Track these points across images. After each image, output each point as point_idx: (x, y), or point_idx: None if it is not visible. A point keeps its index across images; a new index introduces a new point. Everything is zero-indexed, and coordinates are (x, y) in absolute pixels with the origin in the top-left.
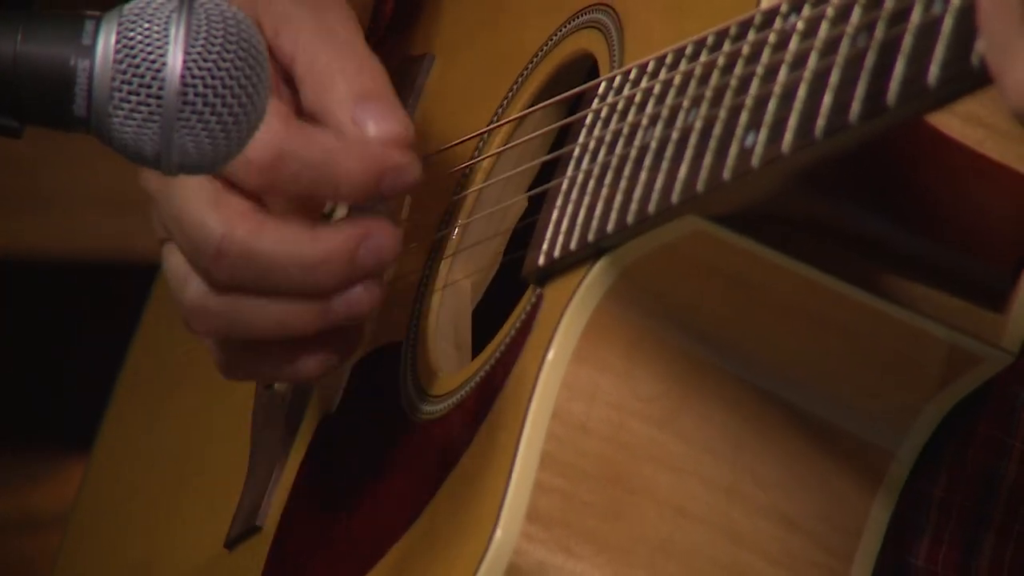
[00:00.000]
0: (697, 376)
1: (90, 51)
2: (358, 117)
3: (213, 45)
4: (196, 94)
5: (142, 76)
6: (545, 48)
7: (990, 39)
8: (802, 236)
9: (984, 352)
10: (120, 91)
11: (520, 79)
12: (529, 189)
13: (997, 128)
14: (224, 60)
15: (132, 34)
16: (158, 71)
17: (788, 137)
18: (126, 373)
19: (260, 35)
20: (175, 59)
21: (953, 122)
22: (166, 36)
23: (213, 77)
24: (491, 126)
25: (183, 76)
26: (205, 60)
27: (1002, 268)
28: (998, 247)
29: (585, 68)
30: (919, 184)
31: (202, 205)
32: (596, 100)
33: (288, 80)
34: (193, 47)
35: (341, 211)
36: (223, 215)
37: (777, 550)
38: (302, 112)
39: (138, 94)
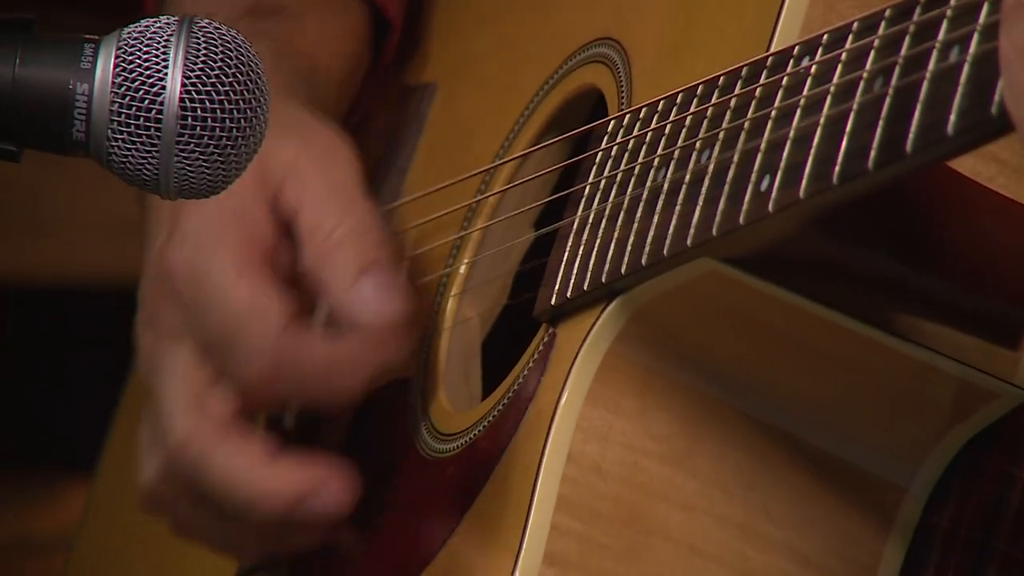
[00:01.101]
0: (710, 415)
1: (89, 75)
2: (359, 297)
3: (212, 69)
4: (195, 119)
5: (141, 100)
6: (551, 82)
7: (1012, 87)
8: (816, 276)
9: (999, 389)
10: (119, 115)
11: (525, 113)
12: (535, 227)
13: (1009, 164)
14: (223, 84)
15: (131, 58)
16: (157, 95)
17: (805, 182)
18: (128, 397)
19: (259, 59)
20: (174, 83)
21: (966, 158)
22: (165, 60)
23: (212, 102)
24: (497, 163)
25: (182, 100)
26: (204, 84)
27: (1016, 305)
28: (1011, 284)
29: (591, 103)
30: (931, 222)
31: (179, 399)
32: (606, 138)
33: (288, 232)
34: (191, 71)
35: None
36: (192, 418)
37: None
38: (301, 267)
39: (137, 118)
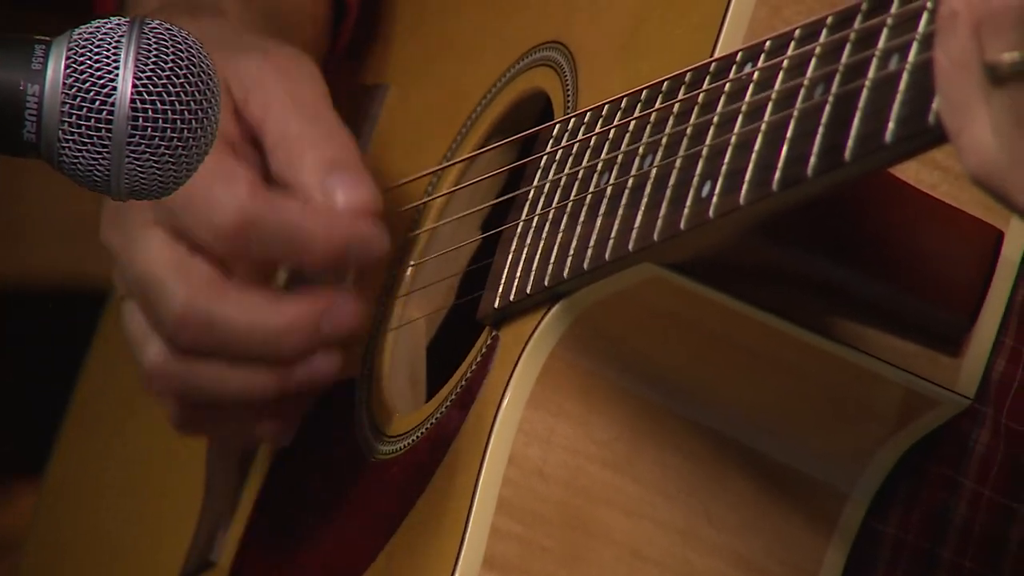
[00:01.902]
0: (652, 420)
1: (40, 75)
2: (328, 186)
3: (163, 70)
4: (145, 120)
5: (91, 101)
6: (499, 84)
7: (946, 99)
8: (758, 282)
9: (940, 396)
10: (70, 116)
11: (474, 115)
12: (482, 228)
13: (952, 171)
14: (174, 85)
15: (82, 59)
16: (107, 96)
17: (745, 189)
18: (77, 401)
19: (210, 59)
20: (124, 84)
21: (908, 164)
22: (116, 61)
23: (163, 103)
24: (444, 164)
25: (132, 101)
26: (155, 85)
27: (958, 313)
28: (953, 292)
29: (539, 106)
30: (874, 230)
31: (166, 270)
32: (551, 142)
33: (255, 143)
34: (143, 72)
35: (282, 275)
36: (186, 282)
37: None
38: (269, 179)
39: (87, 119)
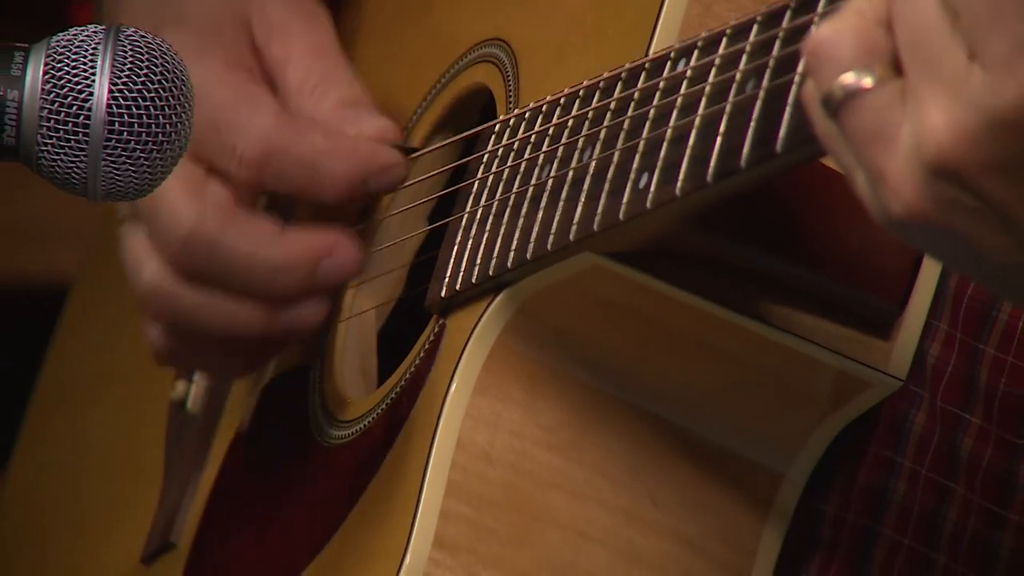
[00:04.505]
0: (596, 405)
1: (19, 81)
2: (349, 118)
3: (138, 76)
4: (121, 124)
5: (69, 106)
6: (443, 80)
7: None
8: (694, 270)
9: (872, 378)
10: (48, 121)
11: (419, 110)
12: (428, 221)
13: None
14: (149, 90)
15: (59, 65)
16: (84, 101)
17: (681, 180)
18: (39, 392)
19: (184, 65)
20: (101, 90)
21: None
22: (92, 67)
23: (138, 107)
24: None
25: (109, 106)
26: (130, 91)
27: (889, 298)
28: (884, 278)
29: (481, 101)
30: (806, 218)
31: (179, 191)
32: (493, 137)
33: (271, 82)
34: (118, 78)
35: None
36: (197, 204)
37: (675, 569)
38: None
39: (65, 124)
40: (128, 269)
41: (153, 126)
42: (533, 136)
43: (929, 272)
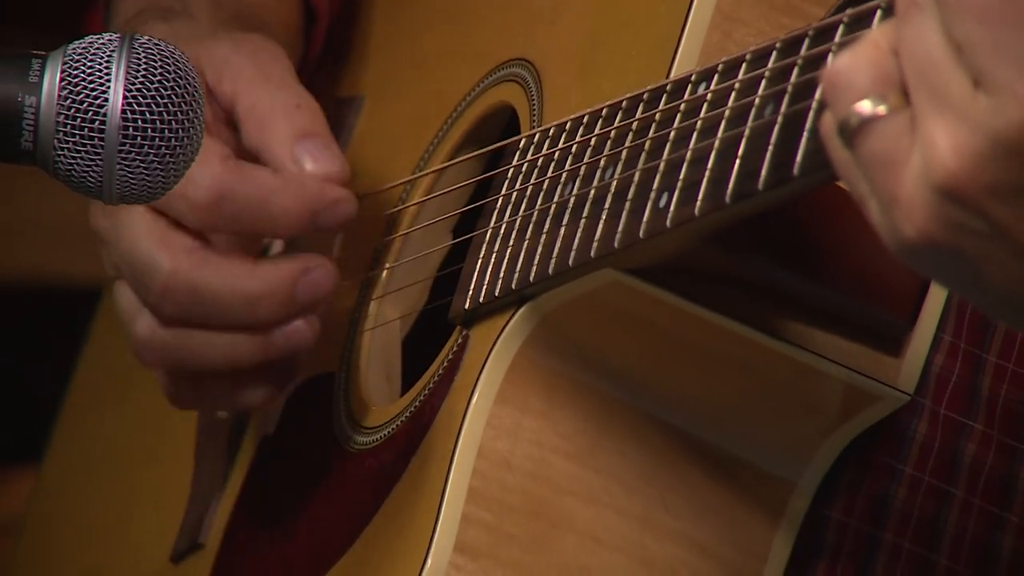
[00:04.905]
0: (612, 414)
1: (36, 88)
2: (297, 155)
3: (151, 82)
4: (136, 129)
5: (85, 112)
6: (468, 98)
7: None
8: (711, 286)
9: (882, 392)
10: (64, 126)
11: (444, 127)
12: (452, 235)
13: None
14: (162, 96)
15: (75, 72)
16: (100, 107)
17: (700, 200)
18: (74, 389)
19: (195, 72)
20: (116, 95)
21: None
22: (107, 74)
23: (152, 113)
24: (416, 175)
25: (123, 112)
26: (144, 96)
27: (899, 315)
28: (894, 296)
29: (505, 119)
30: (820, 237)
31: (150, 242)
32: (518, 154)
33: (229, 122)
34: (133, 84)
35: (277, 247)
36: (170, 252)
37: (687, 573)
38: (243, 152)
39: (81, 129)
40: (123, 325)
41: (166, 131)
42: (556, 154)
43: (937, 290)
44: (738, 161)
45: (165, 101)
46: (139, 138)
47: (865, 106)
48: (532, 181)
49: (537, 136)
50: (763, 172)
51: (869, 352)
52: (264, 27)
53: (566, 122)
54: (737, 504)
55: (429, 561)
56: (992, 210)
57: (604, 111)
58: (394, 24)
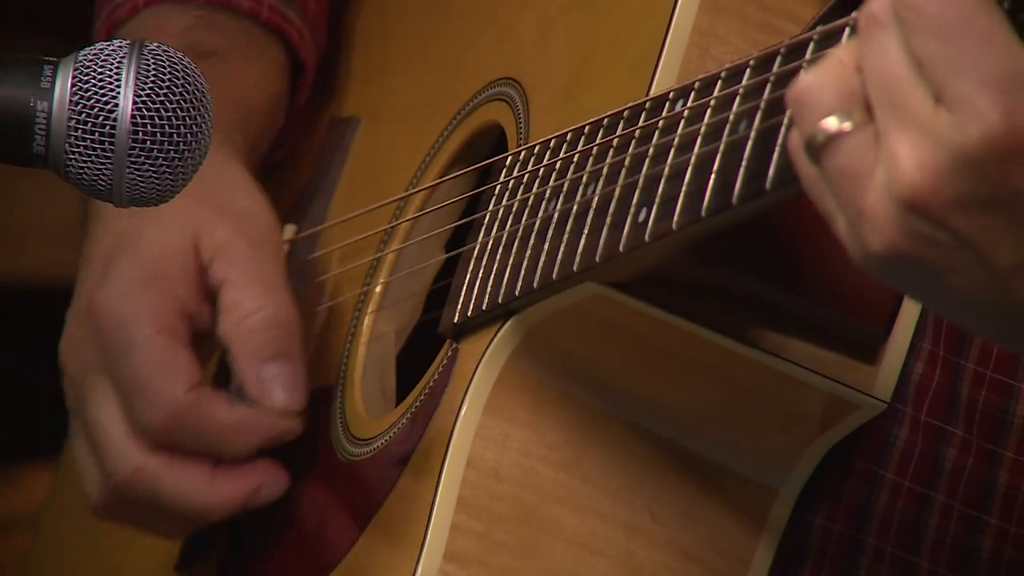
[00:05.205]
0: (598, 424)
1: (48, 93)
2: (267, 386)
3: (160, 88)
4: (145, 133)
5: (96, 117)
6: (459, 116)
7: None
8: (691, 298)
9: (859, 400)
10: (76, 131)
11: (436, 146)
12: (445, 249)
13: None
14: (171, 102)
15: (86, 78)
16: (110, 112)
17: (677, 215)
18: None
19: (203, 79)
20: (125, 101)
21: None
22: (117, 79)
23: (160, 118)
24: (409, 192)
25: (133, 117)
26: (153, 102)
27: (875, 325)
28: (870, 306)
29: (494, 137)
30: (797, 249)
31: (114, 434)
32: (504, 171)
33: (211, 300)
34: (142, 90)
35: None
36: (134, 455)
37: None
38: (217, 334)
39: (92, 133)
40: (77, 471)
41: (175, 135)
42: (541, 170)
43: (912, 301)
44: (713, 176)
45: (174, 106)
46: (148, 142)
47: (831, 123)
48: (518, 197)
49: (523, 153)
50: (737, 186)
51: (846, 361)
52: (253, 114)
53: (550, 139)
54: (720, 511)
55: (419, 569)
56: (955, 222)
57: (586, 128)
58: (390, 46)
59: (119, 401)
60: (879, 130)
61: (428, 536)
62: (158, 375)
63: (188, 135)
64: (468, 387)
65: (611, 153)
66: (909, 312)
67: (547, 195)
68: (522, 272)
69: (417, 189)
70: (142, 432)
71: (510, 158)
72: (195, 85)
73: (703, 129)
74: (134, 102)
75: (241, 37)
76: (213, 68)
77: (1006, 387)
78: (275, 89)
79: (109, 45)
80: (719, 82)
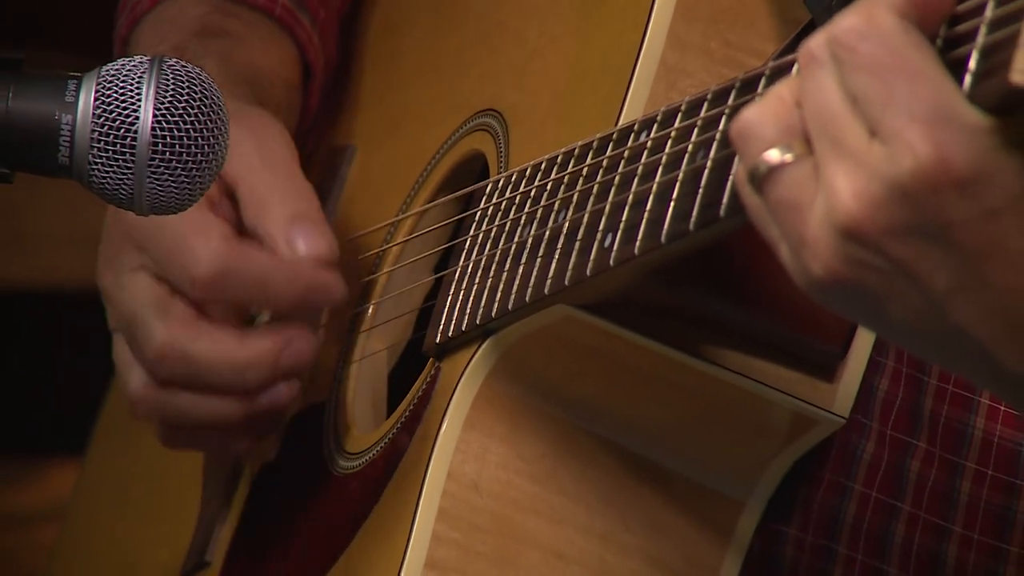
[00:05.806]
0: (573, 439)
1: (72, 107)
2: (291, 237)
3: (179, 102)
4: (164, 145)
5: (117, 129)
6: (445, 146)
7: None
8: (657, 319)
9: (819, 416)
10: (98, 142)
11: (424, 174)
12: (434, 271)
13: None
14: (189, 115)
15: (108, 92)
16: (131, 125)
17: (639, 241)
18: (111, 399)
19: (220, 92)
20: (146, 114)
21: None
22: (138, 94)
23: (179, 130)
24: (398, 217)
25: (153, 129)
26: (172, 115)
27: (832, 344)
28: (829, 326)
29: (478, 166)
30: (757, 273)
31: (149, 310)
32: (484, 199)
33: (232, 196)
34: (161, 103)
35: (265, 315)
36: (166, 321)
37: None
38: (242, 227)
39: (114, 145)
40: (118, 375)
41: (193, 146)
42: (517, 197)
43: None
44: (672, 203)
45: (192, 119)
46: (167, 153)
47: (772, 155)
48: (496, 223)
49: (502, 181)
50: (694, 213)
51: (806, 379)
52: (270, 87)
53: (527, 168)
54: (689, 521)
55: None
56: (891, 249)
57: (559, 157)
58: (385, 76)
59: (154, 284)
60: (818, 162)
61: (410, 545)
62: (194, 230)
63: (205, 146)
64: (449, 404)
65: (581, 181)
66: (866, 333)
67: (522, 221)
68: (498, 295)
69: (407, 214)
70: (188, 290)
71: (490, 186)
72: (212, 99)
73: (664, 159)
74: (154, 115)
75: (257, 26)
76: (229, 45)
77: (966, 401)
78: (289, 77)
79: (130, 61)
80: (679, 114)
